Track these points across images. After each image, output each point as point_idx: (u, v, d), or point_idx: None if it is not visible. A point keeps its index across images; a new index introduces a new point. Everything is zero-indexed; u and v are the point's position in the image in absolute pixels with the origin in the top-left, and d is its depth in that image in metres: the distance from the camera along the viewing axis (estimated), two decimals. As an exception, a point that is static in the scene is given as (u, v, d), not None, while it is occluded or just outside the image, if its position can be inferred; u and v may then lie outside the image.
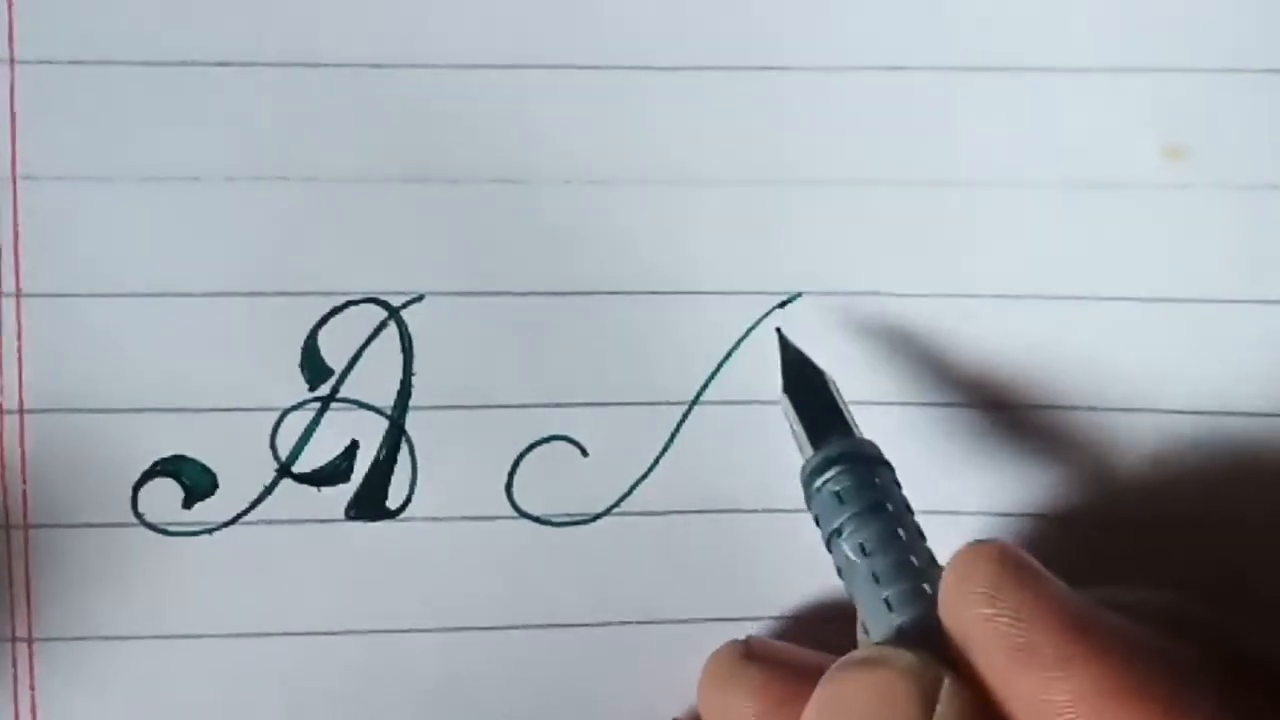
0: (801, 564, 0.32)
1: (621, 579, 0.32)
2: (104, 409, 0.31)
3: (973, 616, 0.25)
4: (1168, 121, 0.31)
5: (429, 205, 0.31)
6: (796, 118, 0.31)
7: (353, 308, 0.31)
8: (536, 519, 0.32)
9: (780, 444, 0.32)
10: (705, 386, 0.32)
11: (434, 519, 0.32)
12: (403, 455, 0.31)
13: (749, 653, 0.30)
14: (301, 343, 0.31)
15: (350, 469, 0.31)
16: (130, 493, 0.31)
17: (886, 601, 0.26)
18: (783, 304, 0.31)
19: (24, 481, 0.31)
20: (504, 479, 0.32)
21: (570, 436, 0.32)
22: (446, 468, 0.32)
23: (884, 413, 0.31)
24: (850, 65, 0.31)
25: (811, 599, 0.32)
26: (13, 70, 0.30)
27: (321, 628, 0.32)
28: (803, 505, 0.30)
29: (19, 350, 0.30)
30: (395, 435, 0.31)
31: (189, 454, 0.31)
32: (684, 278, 0.31)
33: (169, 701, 0.31)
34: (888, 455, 0.31)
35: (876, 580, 0.27)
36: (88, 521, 0.31)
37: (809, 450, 0.29)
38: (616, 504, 0.32)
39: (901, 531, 0.27)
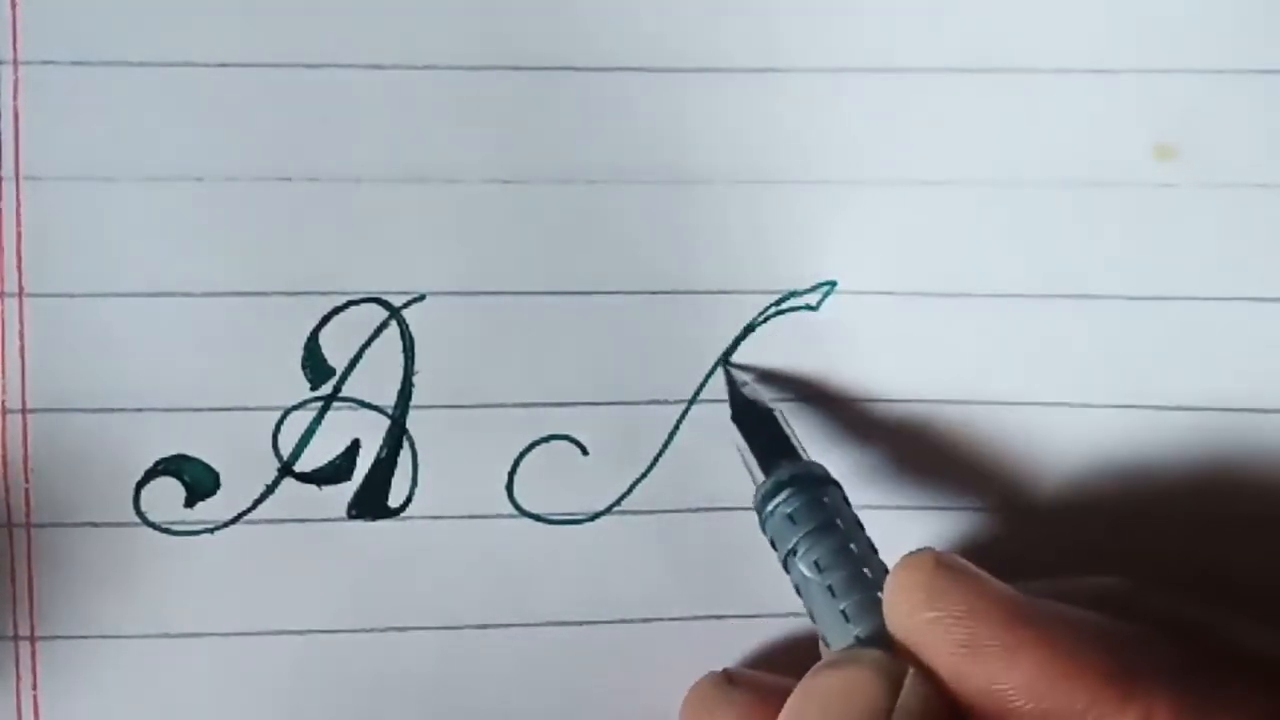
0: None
1: (621, 578, 0.32)
2: (106, 408, 0.31)
3: (918, 622, 0.26)
4: (1158, 121, 0.31)
5: (429, 205, 0.31)
6: (796, 118, 0.31)
7: (354, 307, 0.31)
8: (537, 518, 0.32)
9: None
10: (705, 386, 0.32)
11: (435, 518, 0.32)
12: (404, 454, 0.31)
13: (730, 679, 0.31)
14: (303, 342, 0.31)
15: (351, 468, 0.31)
16: (132, 492, 0.31)
17: (844, 613, 0.27)
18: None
19: (26, 481, 0.31)
20: (504, 478, 0.32)
21: (570, 436, 0.32)
22: (447, 467, 0.32)
23: (883, 412, 0.32)
24: (850, 65, 0.31)
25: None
26: (16, 70, 0.30)
27: (322, 627, 0.32)
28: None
29: (21, 350, 0.30)
30: (396, 434, 0.31)
31: (191, 453, 0.31)
32: (684, 278, 0.31)
33: (170, 700, 0.31)
34: (887, 455, 0.32)
35: (833, 594, 0.28)
36: (90, 521, 0.31)
37: (760, 476, 0.30)
38: (616, 503, 0.32)
39: (853, 546, 0.28)
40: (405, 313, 0.31)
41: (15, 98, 0.30)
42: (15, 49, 0.30)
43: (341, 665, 0.32)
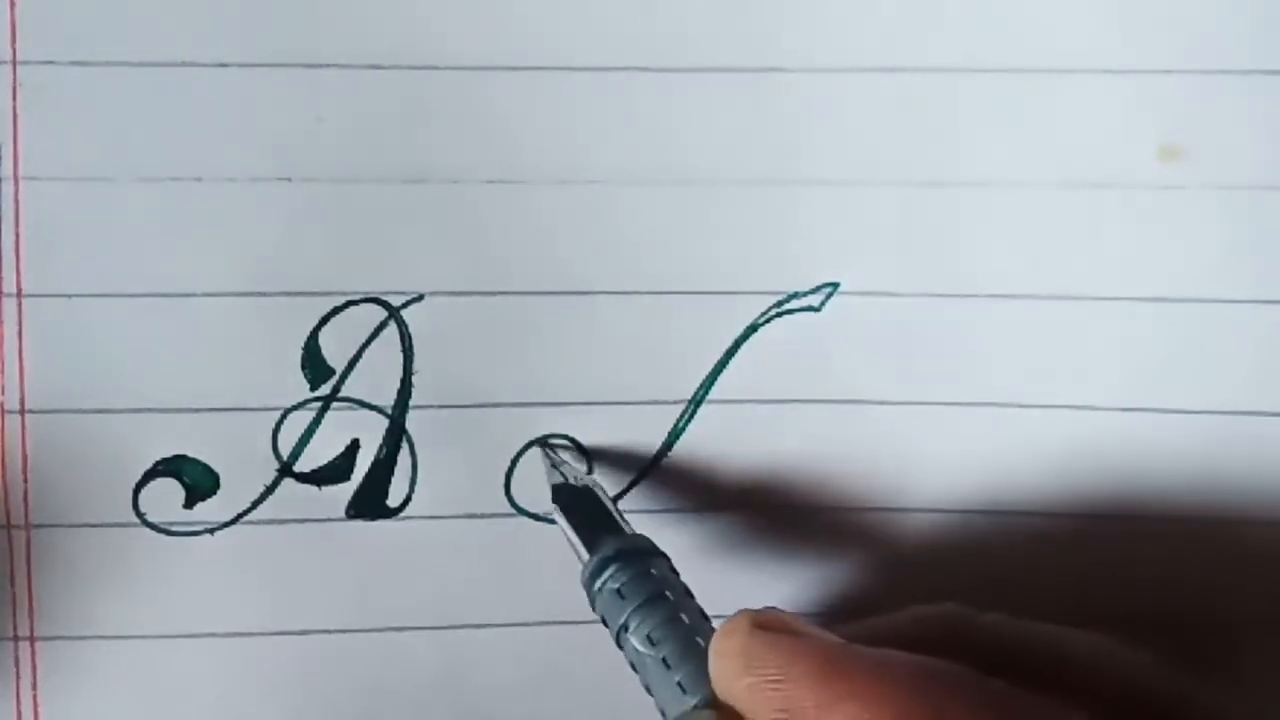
0: (801, 563, 0.32)
1: (621, 578, 0.32)
2: (105, 409, 0.31)
3: (739, 688, 0.26)
4: (1164, 122, 0.31)
5: (429, 205, 0.31)
6: (796, 118, 0.31)
7: (353, 308, 0.31)
8: (536, 517, 0.32)
9: (779, 444, 0.32)
10: (705, 386, 0.32)
11: (434, 518, 0.32)
12: (403, 454, 0.32)
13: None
14: (302, 343, 0.31)
15: (351, 468, 0.31)
16: (132, 492, 0.31)
17: (679, 685, 0.27)
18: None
19: (26, 481, 0.31)
20: (503, 478, 0.32)
21: (570, 436, 0.32)
22: (446, 467, 0.32)
23: (883, 411, 0.32)
24: (850, 65, 0.31)
25: (811, 598, 0.32)
26: (14, 71, 0.30)
27: (322, 627, 0.32)
28: (802, 504, 0.30)
29: (20, 350, 0.30)
30: (395, 434, 0.31)
31: (190, 454, 0.31)
32: (684, 278, 0.31)
33: (170, 700, 0.32)
34: (887, 454, 0.32)
35: (667, 666, 0.28)
36: (89, 521, 0.31)
37: (585, 555, 0.29)
38: (615, 502, 0.32)
39: (684, 616, 0.28)
40: (404, 313, 0.31)
41: (15, 98, 0.30)
42: (14, 49, 0.30)
43: (341, 665, 0.32)
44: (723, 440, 0.32)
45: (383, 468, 0.32)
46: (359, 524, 0.32)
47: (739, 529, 0.32)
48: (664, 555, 0.29)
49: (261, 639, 0.32)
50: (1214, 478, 0.32)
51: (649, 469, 0.32)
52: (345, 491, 0.32)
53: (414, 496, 0.32)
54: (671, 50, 0.31)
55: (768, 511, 0.32)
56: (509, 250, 0.31)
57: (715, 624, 0.27)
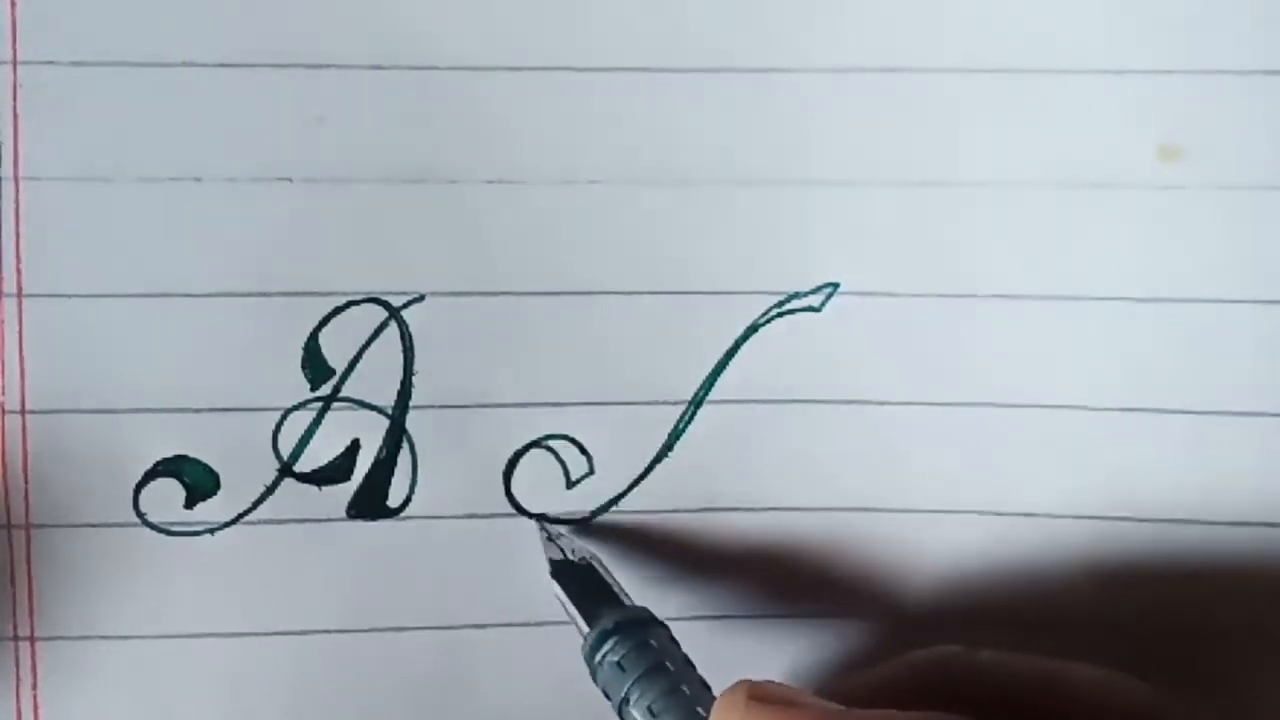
0: (801, 562, 0.32)
1: (620, 578, 0.32)
2: (106, 409, 0.31)
3: None
4: (1163, 122, 0.31)
5: (429, 205, 0.31)
6: (797, 118, 0.31)
7: (354, 308, 0.31)
8: (536, 517, 0.32)
9: (779, 444, 0.32)
10: (705, 386, 0.32)
11: (434, 518, 0.32)
12: (403, 454, 0.31)
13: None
14: (303, 343, 0.31)
15: (351, 468, 0.31)
16: (132, 492, 0.31)
17: None
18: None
19: (26, 481, 0.31)
20: (503, 478, 0.32)
21: (570, 436, 0.32)
22: (447, 467, 0.32)
23: (883, 411, 0.32)
24: (850, 66, 0.31)
25: (810, 598, 0.32)
26: (15, 71, 0.30)
27: (322, 627, 0.32)
28: (802, 505, 0.30)
29: (21, 350, 0.30)
30: (396, 434, 0.31)
31: (190, 454, 0.31)
32: (684, 278, 0.31)
33: (170, 700, 0.32)
34: (888, 454, 0.32)
35: None
36: (90, 521, 0.31)
37: (585, 628, 0.30)
38: (615, 502, 0.32)
39: (685, 687, 0.28)
40: (405, 313, 0.31)
41: (15, 98, 0.30)
42: (15, 49, 0.30)
43: (341, 665, 0.32)
44: (723, 440, 0.32)
45: (383, 468, 0.32)
46: (359, 524, 0.32)
47: (739, 529, 0.32)
48: (664, 625, 0.29)
49: (261, 639, 0.32)
50: (1214, 478, 0.32)
51: (649, 469, 0.32)
52: (345, 491, 0.32)
53: (414, 496, 0.32)
54: (671, 50, 0.31)
55: (768, 512, 0.32)
56: (509, 250, 0.31)
57: (715, 690, 0.28)
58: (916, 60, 0.31)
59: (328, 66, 0.30)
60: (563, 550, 0.31)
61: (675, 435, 0.32)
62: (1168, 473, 0.32)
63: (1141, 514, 0.32)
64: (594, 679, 0.29)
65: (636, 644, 0.29)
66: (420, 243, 0.31)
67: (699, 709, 0.28)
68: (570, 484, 0.32)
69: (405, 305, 0.31)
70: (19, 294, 0.30)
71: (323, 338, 0.31)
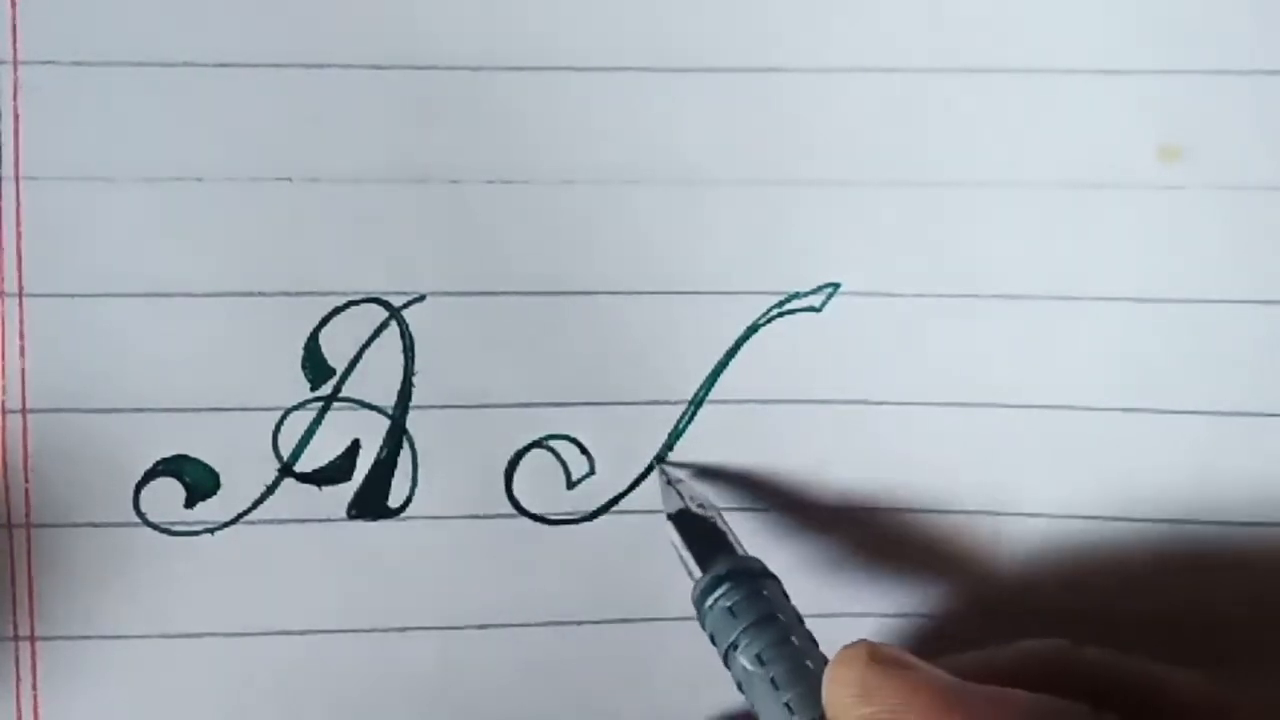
0: (801, 562, 0.32)
1: (621, 578, 0.32)
2: (106, 409, 0.31)
3: (856, 717, 0.26)
4: (1164, 123, 0.31)
5: (429, 205, 0.31)
6: (797, 118, 0.31)
7: (354, 308, 0.31)
8: (536, 518, 0.32)
9: (780, 444, 0.32)
10: (705, 386, 0.32)
11: (434, 518, 0.32)
12: (404, 454, 0.31)
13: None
14: (303, 343, 0.31)
15: (351, 468, 0.31)
16: (132, 492, 0.31)
17: (787, 706, 0.27)
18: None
19: (26, 481, 0.31)
20: (504, 478, 0.32)
21: (570, 436, 0.32)
22: (447, 467, 0.32)
23: (883, 411, 0.32)
24: (850, 66, 0.31)
25: (810, 598, 0.32)
26: (16, 71, 0.30)
27: (321, 627, 0.32)
28: (802, 505, 0.30)
29: (21, 350, 0.30)
30: (396, 435, 0.31)
31: (191, 453, 0.31)
32: (684, 278, 0.31)
33: (170, 699, 0.32)
34: (888, 454, 0.32)
35: (775, 686, 0.28)
36: (90, 521, 0.31)
37: (697, 572, 0.30)
38: (615, 502, 0.32)
39: (795, 639, 0.28)
40: (405, 313, 0.31)
41: (15, 98, 0.30)
42: (15, 49, 0.30)
43: (341, 665, 0.32)
44: (723, 440, 0.32)
45: (383, 468, 0.32)
46: (359, 524, 0.32)
47: (738, 529, 0.32)
48: (776, 579, 0.29)
49: (261, 639, 0.32)
50: (1213, 478, 0.32)
51: (649, 469, 0.32)
52: (346, 492, 0.32)
53: (415, 497, 0.32)
54: (672, 50, 0.31)
55: (768, 512, 0.32)
56: (509, 250, 0.31)
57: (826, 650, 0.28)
58: (916, 60, 0.31)
59: (328, 66, 0.30)
60: (681, 496, 0.31)
61: (675, 435, 0.32)
62: (1168, 473, 0.32)
63: (1141, 514, 0.32)
64: (701, 624, 0.29)
65: (749, 592, 0.29)
66: (420, 243, 0.31)
67: (808, 662, 0.28)
68: (571, 484, 0.32)
69: (405, 305, 0.31)
70: (19, 294, 0.30)
71: (323, 338, 0.31)
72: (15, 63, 0.30)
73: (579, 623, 0.32)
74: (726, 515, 0.31)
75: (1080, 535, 0.32)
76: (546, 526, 0.32)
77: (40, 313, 0.30)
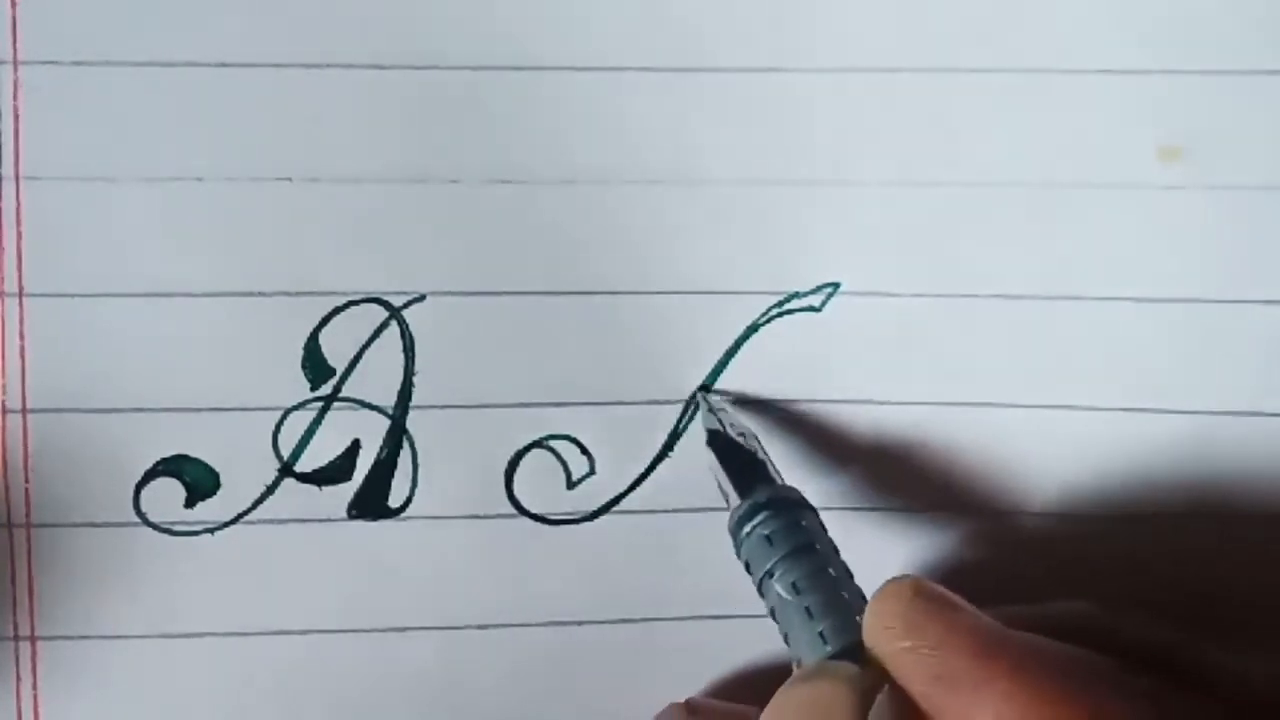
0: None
1: (621, 578, 0.32)
2: (106, 408, 0.31)
3: (894, 649, 0.26)
4: (1163, 123, 0.31)
5: (429, 205, 0.31)
6: (796, 118, 0.31)
7: (354, 308, 0.31)
8: (536, 518, 0.32)
9: (780, 444, 0.32)
10: (705, 386, 0.32)
11: (435, 518, 0.32)
12: (404, 455, 0.31)
13: (692, 711, 0.31)
14: (303, 342, 0.31)
15: (352, 468, 0.31)
16: (132, 492, 0.31)
17: (821, 635, 0.27)
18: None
19: (26, 481, 0.31)
20: (504, 478, 0.32)
21: (570, 436, 0.32)
22: (447, 467, 0.32)
23: (883, 411, 0.32)
24: (849, 66, 0.31)
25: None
26: (16, 70, 0.30)
27: (321, 627, 0.32)
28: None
29: (21, 350, 0.30)
30: (396, 435, 0.31)
31: (191, 453, 0.31)
32: (684, 278, 0.31)
33: (170, 700, 0.32)
34: (888, 454, 0.32)
35: (810, 615, 0.28)
36: (90, 521, 0.31)
37: (735, 500, 0.30)
38: (616, 502, 0.32)
39: (831, 570, 0.28)
40: (405, 313, 0.31)
41: (15, 98, 0.30)
42: (15, 49, 0.30)
43: (341, 665, 0.32)
44: (723, 441, 0.32)
45: (384, 468, 0.32)
46: (360, 524, 0.32)
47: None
48: (814, 510, 0.29)
49: (261, 639, 0.32)
50: (1214, 478, 0.32)
51: (649, 469, 0.32)
52: (346, 492, 0.32)
53: (415, 497, 0.32)
54: (672, 50, 0.31)
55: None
56: (509, 250, 0.31)
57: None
58: (916, 60, 0.31)
59: (328, 66, 0.30)
60: (722, 423, 0.31)
61: (675, 435, 0.32)
62: (1167, 472, 0.32)
63: (1141, 514, 0.32)
64: (737, 552, 0.29)
65: (787, 521, 0.29)
66: (420, 243, 0.31)
67: (843, 593, 0.28)
68: (571, 484, 0.32)
69: (405, 305, 0.31)
70: (19, 294, 0.30)
71: (323, 338, 0.31)
72: (15, 63, 0.30)
73: (579, 623, 0.32)
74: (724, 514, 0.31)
75: (1080, 535, 0.32)
76: (547, 526, 0.32)
77: (40, 313, 0.30)
